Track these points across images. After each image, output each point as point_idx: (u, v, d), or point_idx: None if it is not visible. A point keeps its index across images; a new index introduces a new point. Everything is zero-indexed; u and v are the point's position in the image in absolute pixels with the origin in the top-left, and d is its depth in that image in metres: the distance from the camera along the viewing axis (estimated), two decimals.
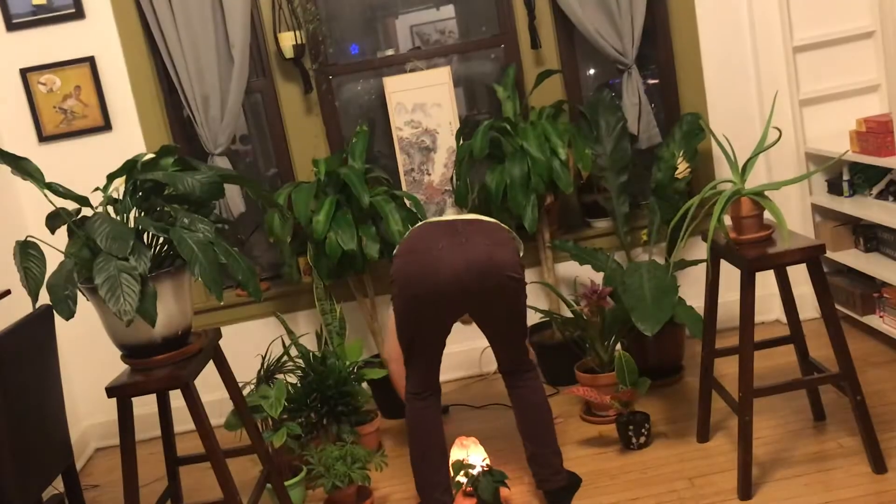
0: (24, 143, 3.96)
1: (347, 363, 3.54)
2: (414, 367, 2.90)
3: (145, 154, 2.66)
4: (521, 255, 2.86)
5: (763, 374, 3.64)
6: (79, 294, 2.41)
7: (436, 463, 2.88)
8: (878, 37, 3.94)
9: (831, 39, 3.98)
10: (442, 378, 4.12)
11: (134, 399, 2.57)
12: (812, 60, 3.99)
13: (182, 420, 3.90)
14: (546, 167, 3.68)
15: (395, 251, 2.84)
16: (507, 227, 2.92)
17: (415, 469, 2.89)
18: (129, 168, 2.58)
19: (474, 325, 3.32)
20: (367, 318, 3.96)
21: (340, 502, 3.12)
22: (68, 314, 2.37)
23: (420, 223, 2.91)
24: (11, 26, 3.88)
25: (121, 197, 2.58)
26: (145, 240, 2.55)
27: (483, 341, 4.19)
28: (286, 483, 3.15)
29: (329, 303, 3.79)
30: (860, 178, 3.90)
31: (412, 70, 4.11)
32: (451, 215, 2.90)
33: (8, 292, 3.34)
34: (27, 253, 2.44)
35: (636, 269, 3.51)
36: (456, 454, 3.09)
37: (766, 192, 2.77)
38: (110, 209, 2.56)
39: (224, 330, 4.11)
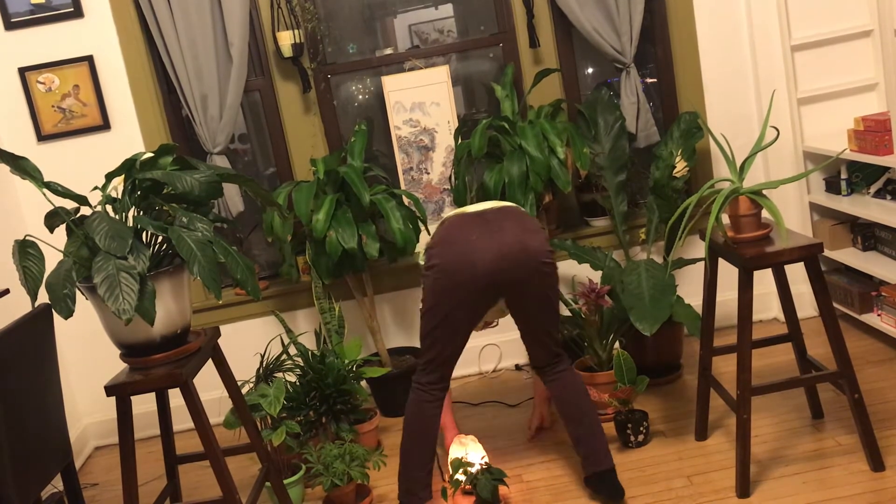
0: (22, 142, 3.96)
1: (346, 362, 3.54)
2: (429, 354, 2.89)
3: (144, 153, 2.66)
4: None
5: (761, 372, 3.64)
6: (78, 293, 2.41)
7: (423, 460, 2.90)
8: (876, 35, 3.95)
9: (829, 38, 3.98)
10: None
11: (133, 397, 2.57)
12: (810, 59, 4.00)
13: (181, 418, 3.93)
14: (544, 166, 3.68)
15: (429, 243, 2.90)
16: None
17: (402, 458, 2.92)
18: (128, 167, 2.58)
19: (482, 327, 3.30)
20: (366, 317, 3.96)
21: (339, 500, 3.12)
22: (67, 313, 2.37)
23: (451, 214, 2.94)
24: (10, 25, 3.88)
25: (119, 196, 2.58)
26: (144, 239, 2.55)
27: (482, 339, 4.20)
28: (285, 481, 3.15)
29: (328, 302, 3.79)
30: (858, 176, 3.90)
31: (411, 69, 4.11)
32: (480, 205, 2.93)
33: (7, 291, 3.34)
34: (26, 252, 2.45)
35: (634, 268, 3.51)
36: (454, 452, 3.09)
37: (765, 191, 2.78)
38: (109, 208, 2.57)
39: (223, 328, 4.12)
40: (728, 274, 4.06)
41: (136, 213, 2.59)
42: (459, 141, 3.93)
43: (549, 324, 2.92)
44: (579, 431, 2.94)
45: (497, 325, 3.46)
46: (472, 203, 3.92)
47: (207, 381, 3.87)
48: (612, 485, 2.89)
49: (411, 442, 2.90)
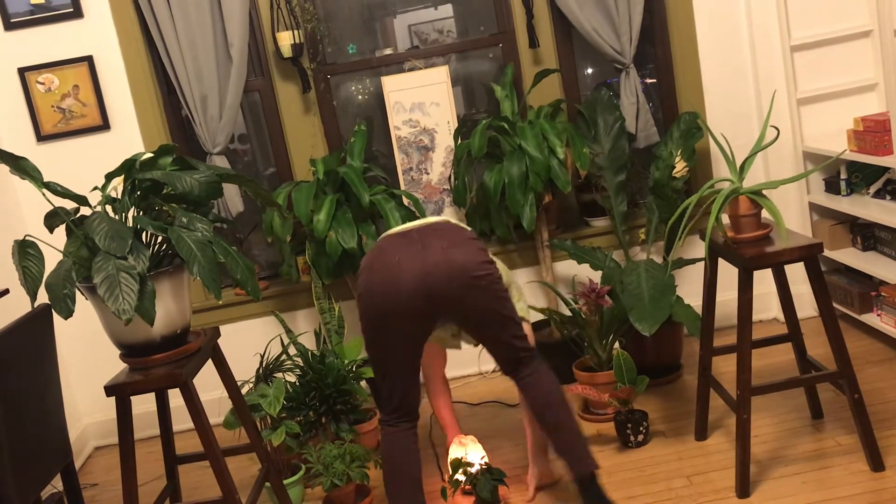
0: (22, 142, 3.97)
1: (346, 362, 3.54)
2: (384, 389, 2.75)
3: (144, 153, 2.66)
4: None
5: (761, 372, 3.64)
6: (77, 293, 2.41)
7: (409, 495, 2.75)
8: (876, 36, 3.95)
9: (829, 38, 3.98)
10: None
11: (133, 398, 2.57)
12: (810, 59, 4.00)
13: (181, 419, 3.93)
14: (544, 166, 3.68)
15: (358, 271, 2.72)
16: (468, 227, 2.80)
17: (389, 499, 2.75)
18: (128, 167, 2.59)
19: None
20: None
21: (339, 501, 3.12)
22: (67, 313, 2.37)
23: (381, 236, 2.79)
24: (10, 25, 3.88)
25: (119, 196, 2.59)
26: (144, 239, 2.55)
27: None
28: (285, 481, 3.15)
29: (327, 302, 3.79)
30: (858, 176, 3.90)
31: (410, 69, 4.11)
32: (409, 224, 2.79)
33: (6, 291, 3.34)
34: (25, 252, 2.45)
35: (634, 268, 3.51)
36: (454, 452, 3.09)
37: (764, 191, 2.78)
38: (109, 208, 2.57)
39: (223, 329, 4.12)
40: (728, 274, 4.06)
41: (135, 214, 2.59)
42: (459, 141, 3.93)
43: (502, 332, 2.73)
44: (557, 438, 2.76)
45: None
46: (470, 202, 3.94)
47: (207, 381, 3.87)
48: (595, 495, 2.72)
49: (393, 479, 2.75)
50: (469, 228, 2.79)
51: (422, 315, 2.63)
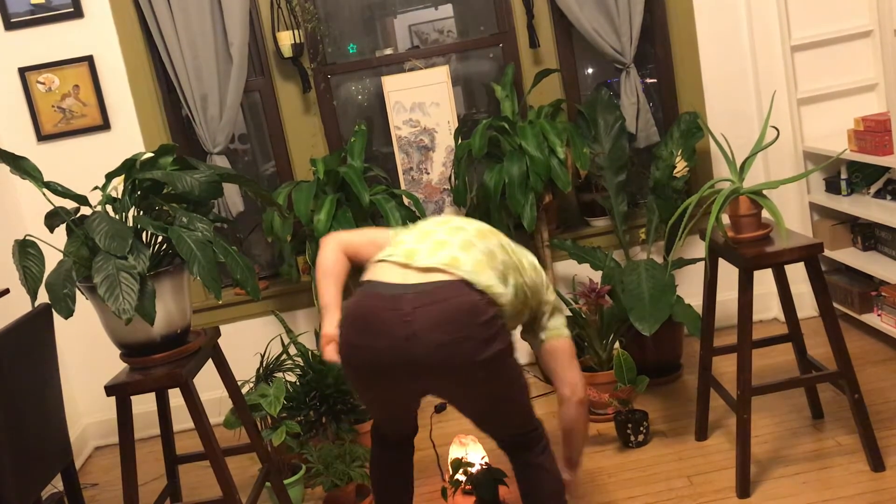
0: (22, 142, 3.97)
1: None
2: (378, 426, 2.56)
3: (144, 153, 2.66)
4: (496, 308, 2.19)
5: (761, 372, 3.64)
6: (78, 293, 2.41)
7: None
8: (876, 36, 3.95)
9: (829, 38, 3.98)
10: None
11: (133, 397, 2.57)
12: (810, 59, 4.00)
13: (181, 418, 3.93)
14: (544, 166, 3.68)
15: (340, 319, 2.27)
16: (473, 281, 2.18)
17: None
18: (128, 167, 2.59)
19: None
20: None
21: (339, 501, 3.12)
22: (67, 313, 2.37)
23: (366, 286, 2.24)
24: (10, 25, 3.88)
25: (119, 196, 2.59)
26: (144, 239, 2.55)
27: None
28: (285, 481, 3.15)
29: None
30: (858, 176, 3.90)
31: (411, 69, 4.11)
32: (406, 276, 2.20)
33: (7, 291, 3.34)
34: (26, 252, 2.45)
35: (634, 268, 3.51)
36: (455, 452, 3.09)
37: (765, 191, 2.78)
38: (109, 208, 2.57)
39: (223, 328, 4.12)
40: (728, 274, 4.07)
41: (136, 213, 2.59)
42: (459, 141, 3.93)
43: (502, 420, 2.35)
44: None
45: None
46: (470, 201, 3.93)
47: (207, 381, 3.87)
48: None
49: (382, 497, 2.58)
50: (487, 295, 2.19)
51: (412, 397, 2.35)
